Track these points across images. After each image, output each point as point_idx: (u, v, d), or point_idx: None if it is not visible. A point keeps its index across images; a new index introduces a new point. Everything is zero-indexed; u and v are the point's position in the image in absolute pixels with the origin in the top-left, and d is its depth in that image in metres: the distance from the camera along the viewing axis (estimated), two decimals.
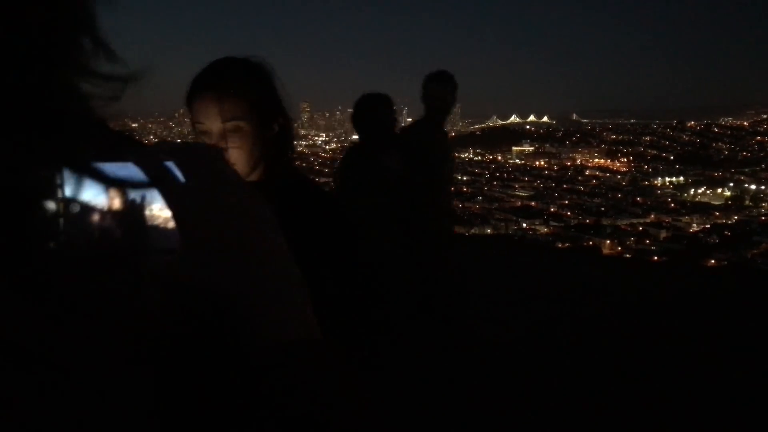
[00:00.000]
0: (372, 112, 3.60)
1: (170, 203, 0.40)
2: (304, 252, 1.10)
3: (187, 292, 0.40)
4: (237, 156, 1.28)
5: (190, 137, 1.40)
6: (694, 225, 63.43)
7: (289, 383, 0.41)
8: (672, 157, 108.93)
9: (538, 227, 67.57)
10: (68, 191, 0.39)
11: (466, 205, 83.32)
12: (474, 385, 3.87)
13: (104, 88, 0.35)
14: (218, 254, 0.41)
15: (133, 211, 0.41)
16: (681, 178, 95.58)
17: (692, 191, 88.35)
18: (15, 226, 0.32)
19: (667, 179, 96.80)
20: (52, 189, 0.38)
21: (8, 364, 0.32)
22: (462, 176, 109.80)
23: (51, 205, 0.38)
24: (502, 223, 67.59)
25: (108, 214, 0.40)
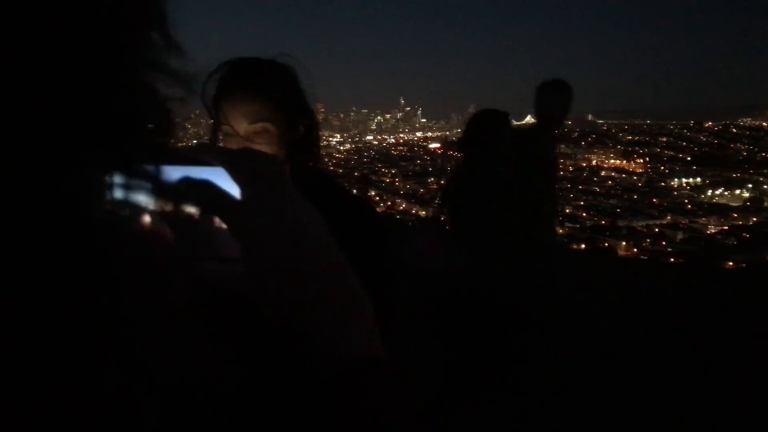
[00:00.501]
0: (494, 128, 3.56)
1: (235, 214, 0.40)
2: None
3: (250, 304, 0.40)
4: None
5: (206, 138, 1.40)
6: (712, 227, 62.81)
7: (351, 401, 0.40)
8: (689, 158, 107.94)
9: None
10: (121, 194, 0.37)
11: None
12: (496, 388, 3.87)
13: (175, 88, 0.35)
14: (283, 269, 0.40)
15: (193, 217, 0.40)
16: (698, 179, 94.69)
17: (709, 192, 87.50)
18: (71, 229, 0.31)
19: (684, 180, 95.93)
20: (105, 191, 0.37)
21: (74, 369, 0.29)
22: None
23: (107, 208, 0.37)
24: None
25: (163, 218, 0.39)
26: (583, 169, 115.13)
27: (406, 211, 78.15)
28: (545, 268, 4.05)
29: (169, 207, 0.39)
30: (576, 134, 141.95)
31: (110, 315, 0.31)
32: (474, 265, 3.35)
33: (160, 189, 0.37)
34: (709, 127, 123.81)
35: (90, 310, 0.30)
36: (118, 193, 0.36)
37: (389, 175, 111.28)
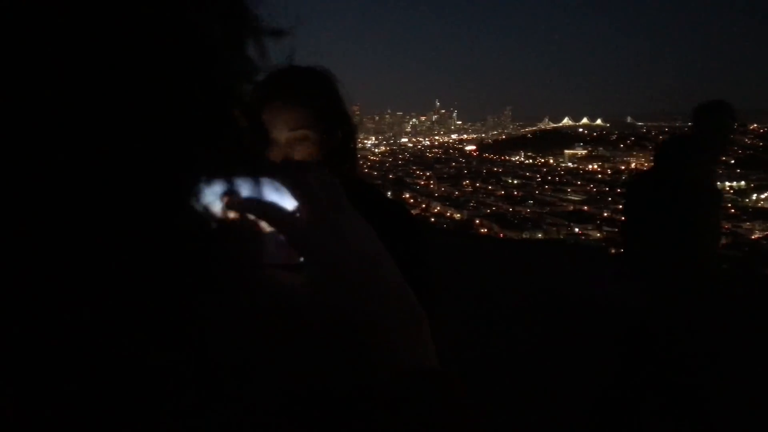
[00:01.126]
0: (723, 123, 3.26)
1: (294, 228, 0.41)
2: None
3: (309, 314, 0.41)
4: None
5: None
6: (756, 231, 61.18)
7: (407, 412, 0.41)
8: (733, 161, 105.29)
9: (590, 232, 66.43)
10: (205, 199, 0.39)
11: (517, 209, 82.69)
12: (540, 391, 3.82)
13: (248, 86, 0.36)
14: (341, 281, 0.41)
15: (254, 223, 0.41)
16: (742, 183, 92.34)
17: (754, 196, 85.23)
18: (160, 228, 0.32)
19: (728, 184, 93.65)
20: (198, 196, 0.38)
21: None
22: (513, 180, 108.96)
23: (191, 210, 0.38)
24: (554, 228, 66.76)
25: (228, 223, 0.40)
26: (621, 171, 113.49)
27: (440, 214, 78.06)
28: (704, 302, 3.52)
29: (233, 215, 0.40)
30: (614, 136, 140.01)
31: (201, 315, 0.32)
32: (658, 297, 2.91)
33: (231, 199, 0.39)
34: (754, 129, 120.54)
35: (186, 310, 0.31)
36: (204, 199, 0.37)
37: (424, 178, 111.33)
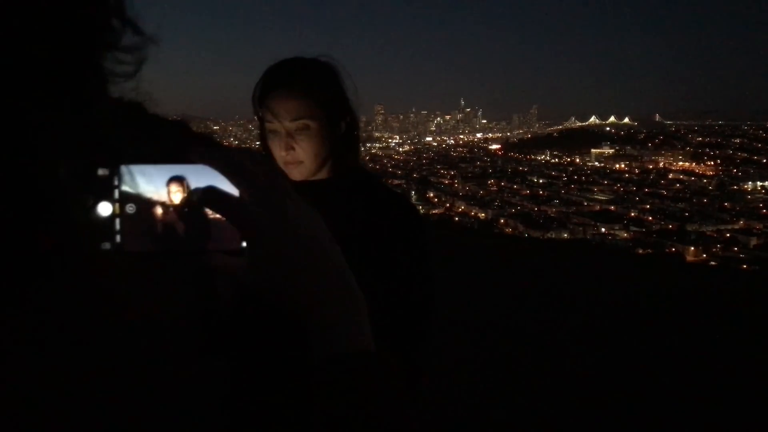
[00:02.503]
0: None
1: (237, 210, 0.42)
2: (369, 249, 1.23)
3: (250, 295, 0.43)
4: (305, 154, 1.30)
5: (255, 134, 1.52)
6: None
7: (341, 391, 0.42)
8: (765, 160, 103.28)
9: (617, 232, 65.73)
10: (126, 190, 0.40)
11: (543, 208, 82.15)
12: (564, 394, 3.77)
13: (125, 65, 0.35)
14: (282, 264, 0.42)
15: (195, 211, 0.42)
16: None
17: None
18: (69, 227, 0.32)
19: (759, 183, 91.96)
20: (108, 190, 0.40)
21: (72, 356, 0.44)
22: (538, 179, 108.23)
23: (107, 207, 0.40)
24: (580, 228, 66.22)
25: (167, 213, 0.41)
26: (649, 171, 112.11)
27: (465, 213, 77.77)
28: None
29: (176, 202, 0.41)
30: (643, 135, 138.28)
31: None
32: None
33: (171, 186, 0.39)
34: None
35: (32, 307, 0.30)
36: (105, 192, 0.39)
37: (448, 177, 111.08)
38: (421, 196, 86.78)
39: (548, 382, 3.99)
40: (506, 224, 66.61)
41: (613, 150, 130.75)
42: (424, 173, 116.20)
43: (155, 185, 0.41)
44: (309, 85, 1.31)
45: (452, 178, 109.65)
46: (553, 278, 6.66)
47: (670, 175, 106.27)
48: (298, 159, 1.30)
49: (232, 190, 0.42)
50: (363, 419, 0.41)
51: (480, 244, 10.74)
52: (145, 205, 0.41)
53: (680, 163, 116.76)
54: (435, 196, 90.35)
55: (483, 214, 76.23)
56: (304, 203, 0.46)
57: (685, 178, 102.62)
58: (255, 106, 1.38)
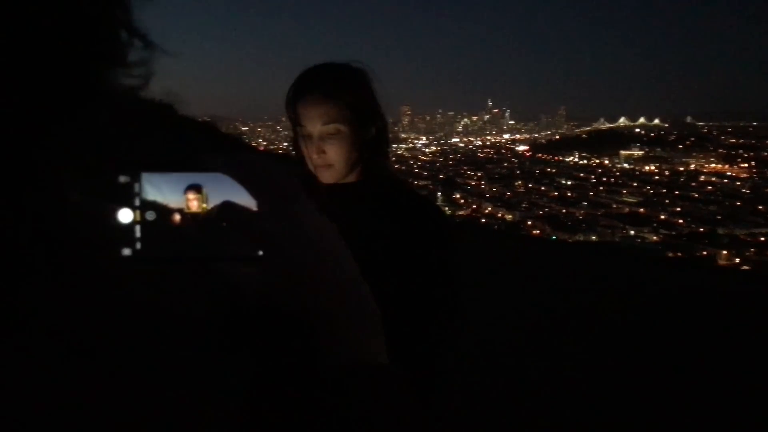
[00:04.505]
0: None
1: (250, 223, 0.43)
2: (394, 253, 1.25)
3: (263, 304, 0.43)
4: (335, 158, 1.32)
5: (288, 139, 1.48)
6: None
7: (350, 404, 0.42)
8: None
9: (646, 235, 64.83)
10: (147, 197, 0.42)
11: (570, 210, 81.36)
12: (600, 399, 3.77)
13: (133, 78, 0.36)
14: (295, 273, 0.43)
15: (211, 218, 0.43)
16: None
17: None
18: (90, 234, 0.33)
19: None
20: (129, 197, 0.42)
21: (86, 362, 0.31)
22: (566, 181, 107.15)
23: (128, 214, 0.42)
24: (608, 230, 65.43)
25: (185, 220, 0.42)
26: (680, 173, 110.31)
27: (491, 215, 77.37)
28: None
29: (193, 209, 0.42)
30: (673, 137, 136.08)
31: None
32: None
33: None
34: None
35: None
36: (125, 199, 0.41)
37: (475, 178, 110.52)
38: (447, 198, 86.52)
39: (573, 386, 3.99)
40: (533, 226, 66.11)
41: (642, 152, 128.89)
42: (451, 174, 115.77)
43: (174, 193, 0.42)
44: (340, 90, 1.33)
45: (479, 179, 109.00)
46: (581, 281, 6.63)
47: (702, 178, 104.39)
48: (329, 162, 1.31)
49: (249, 198, 0.43)
50: (367, 429, 0.41)
51: (505, 245, 10.71)
52: (164, 212, 0.42)
53: (712, 165, 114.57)
54: (461, 198, 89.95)
55: (510, 216, 75.72)
56: (319, 214, 0.46)
57: (717, 180, 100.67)
58: (288, 110, 1.39)
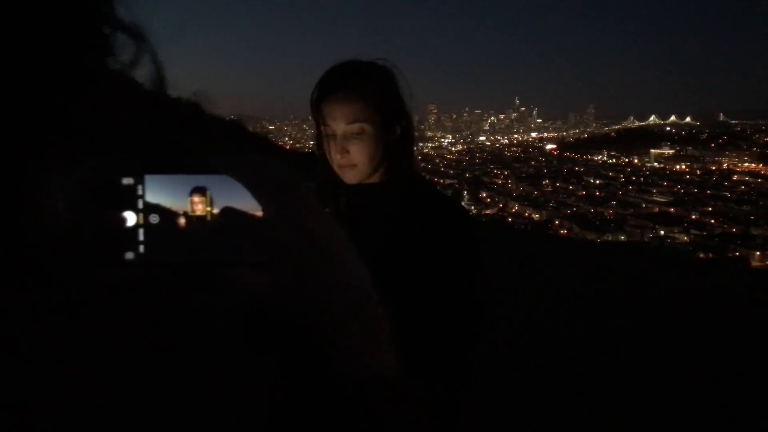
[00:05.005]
0: None
1: (255, 228, 0.42)
2: (415, 255, 1.23)
3: (271, 311, 0.42)
4: (360, 157, 1.31)
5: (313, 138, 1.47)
6: None
7: (358, 417, 0.41)
8: None
9: (677, 235, 63.85)
10: (150, 200, 0.41)
11: (599, 209, 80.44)
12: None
13: (123, 68, 0.35)
14: (303, 280, 0.42)
15: (219, 222, 0.42)
16: None
17: None
18: (93, 238, 0.33)
19: None
20: (133, 199, 0.41)
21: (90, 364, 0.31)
22: (595, 180, 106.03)
23: (131, 216, 0.41)
24: (638, 230, 64.62)
25: (190, 224, 0.42)
26: (712, 172, 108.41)
27: (518, 214, 76.92)
28: None
29: (198, 213, 0.41)
30: (705, 135, 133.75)
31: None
32: None
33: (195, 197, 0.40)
34: None
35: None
36: (129, 202, 0.41)
37: (502, 177, 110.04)
38: (474, 196, 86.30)
39: (602, 387, 3.95)
40: (561, 225, 65.55)
41: (673, 150, 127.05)
42: (477, 173, 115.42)
43: (178, 195, 0.42)
44: (365, 89, 1.31)
45: (506, 178, 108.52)
46: (609, 281, 6.54)
47: (735, 177, 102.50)
48: (353, 162, 1.30)
49: (255, 201, 0.42)
50: None
51: (532, 244, 10.62)
52: (168, 215, 0.42)
53: (745, 164, 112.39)
54: (488, 197, 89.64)
55: (537, 215, 75.26)
56: (329, 218, 0.45)
57: (751, 179, 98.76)
58: (312, 109, 1.39)
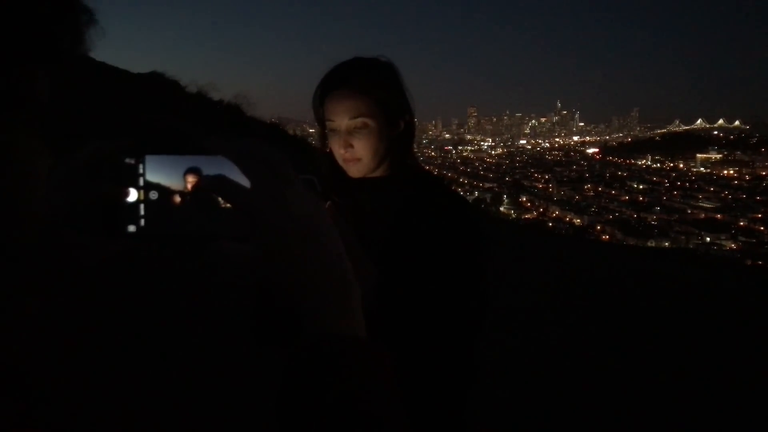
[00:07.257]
0: None
1: (240, 197, 0.45)
2: (416, 248, 1.26)
3: (256, 279, 0.45)
4: (363, 152, 1.32)
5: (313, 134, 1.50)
6: None
7: (325, 373, 0.43)
8: None
9: (724, 242, 62.03)
10: (150, 179, 0.46)
11: (642, 215, 78.89)
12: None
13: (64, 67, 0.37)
14: (274, 249, 0.45)
15: (207, 198, 0.47)
16: None
17: None
18: (98, 212, 0.35)
19: None
20: (135, 177, 0.45)
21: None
22: (638, 184, 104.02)
23: (133, 193, 0.45)
24: (683, 236, 63.08)
25: (184, 200, 0.46)
26: (761, 178, 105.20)
27: (559, 218, 75.83)
28: None
29: (188, 191, 0.45)
30: (755, 140, 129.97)
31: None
32: None
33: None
34: None
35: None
36: (131, 179, 0.45)
37: (542, 181, 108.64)
38: (514, 201, 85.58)
39: (645, 395, 3.89)
40: (603, 231, 64.40)
41: (720, 155, 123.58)
42: (517, 177, 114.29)
43: (175, 174, 0.46)
44: (367, 84, 1.33)
45: (546, 182, 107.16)
46: (653, 288, 6.42)
47: None
48: (356, 156, 1.32)
49: (245, 181, 0.45)
50: (337, 401, 0.42)
51: (574, 249, 10.47)
52: (166, 192, 0.46)
53: None
54: (528, 200, 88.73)
55: (578, 220, 74.09)
56: (308, 193, 0.48)
57: None
58: (315, 106, 1.41)
